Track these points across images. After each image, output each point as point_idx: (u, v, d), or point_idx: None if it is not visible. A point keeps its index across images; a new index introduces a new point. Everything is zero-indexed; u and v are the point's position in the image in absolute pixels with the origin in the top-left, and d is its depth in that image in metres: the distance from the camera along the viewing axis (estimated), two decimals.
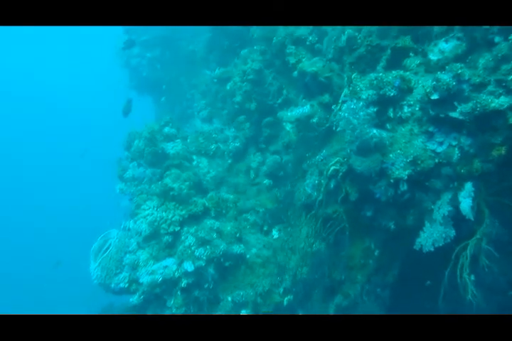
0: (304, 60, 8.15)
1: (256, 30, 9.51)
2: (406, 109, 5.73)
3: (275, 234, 8.50)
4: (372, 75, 5.83)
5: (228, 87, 10.29)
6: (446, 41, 5.53)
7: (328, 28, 8.05)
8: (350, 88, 5.94)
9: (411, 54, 5.98)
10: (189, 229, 7.49)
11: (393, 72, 5.77)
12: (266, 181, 9.07)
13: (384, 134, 5.55)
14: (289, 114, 7.59)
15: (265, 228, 8.59)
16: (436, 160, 5.45)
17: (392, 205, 6.01)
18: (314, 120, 7.48)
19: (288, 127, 8.90)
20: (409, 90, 5.74)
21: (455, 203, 5.47)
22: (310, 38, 8.10)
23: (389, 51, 6.00)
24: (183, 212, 7.53)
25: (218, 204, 8.10)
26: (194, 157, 9.92)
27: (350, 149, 5.81)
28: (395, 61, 6.04)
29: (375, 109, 5.56)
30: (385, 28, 5.98)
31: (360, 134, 5.59)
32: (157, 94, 18.97)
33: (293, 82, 9.18)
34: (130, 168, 9.64)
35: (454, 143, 5.34)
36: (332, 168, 6.08)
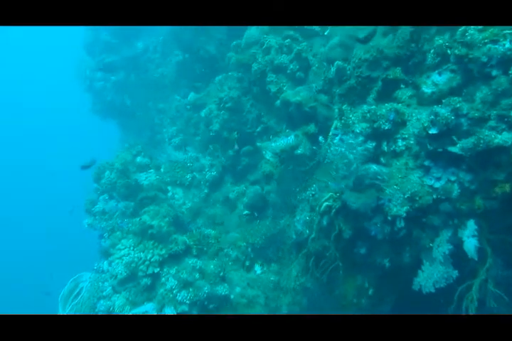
0: (284, 88, 7.93)
1: (232, 56, 9.25)
2: (400, 143, 5.53)
3: (258, 269, 8.06)
4: (365, 108, 5.61)
5: (203, 114, 9.93)
6: (440, 73, 5.39)
7: (309, 56, 7.90)
8: (342, 121, 5.70)
9: (402, 85, 5.81)
10: (170, 269, 6.96)
11: (386, 104, 5.57)
12: (246, 212, 8.67)
13: (384, 170, 5.29)
14: (273, 144, 7.28)
15: (247, 263, 8.14)
16: (435, 196, 5.23)
17: (387, 242, 5.73)
18: (299, 151, 7.21)
19: (268, 156, 8.61)
20: (403, 123, 5.55)
21: (455, 241, 5.25)
22: (291, 66, 7.89)
23: (380, 83, 5.82)
24: (163, 252, 7.00)
25: (200, 241, 7.63)
26: (169, 188, 9.43)
27: (346, 185, 5.52)
28: (386, 93, 5.86)
29: (373, 144, 5.31)
30: (374, 58, 5.79)
31: (357, 170, 5.32)
32: (123, 118, 18.34)
33: (272, 109, 8.92)
34: (100, 201, 9.05)
35: (452, 178, 5.13)
36: (325, 204, 5.77)
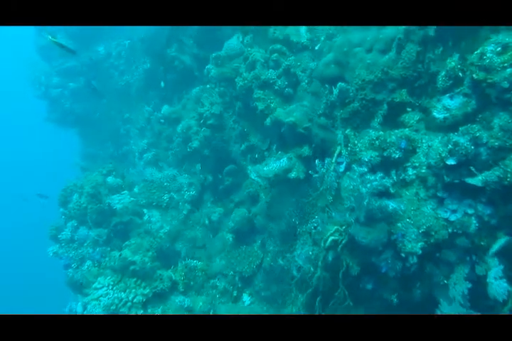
0: (272, 105, 7.42)
1: (212, 69, 8.65)
2: (410, 171, 5.13)
3: (246, 300, 7.50)
4: (373, 134, 5.18)
5: (180, 130, 9.28)
6: (451, 97, 5.04)
7: (298, 71, 7.43)
8: (349, 148, 5.24)
9: (408, 109, 5.42)
10: (154, 310, 6.28)
11: (396, 131, 5.16)
12: (231, 237, 8.09)
13: (402, 207, 4.87)
14: (265, 168, 6.75)
15: (235, 293, 7.56)
16: (450, 230, 4.86)
17: (396, 277, 5.32)
18: (293, 174, 6.72)
19: (254, 176, 8.09)
20: (413, 150, 5.15)
21: (472, 278, 4.89)
22: (279, 82, 7.39)
23: (385, 106, 5.40)
24: (147, 291, 6.32)
25: (186, 276, 6.99)
26: (145, 210, 8.72)
27: (355, 219, 5.06)
28: (392, 116, 5.46)
29: (390, 181, 4.89)
30: (379, 80, 5.37)
31: (369, 204, 4.86)
32: (83, 127, 17.22)
33: (256, 126, 8.39)
34: (67, 227, 8.23)
35: (470, 211, 4.78)
36: (331, 238, 5.29)
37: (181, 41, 10.02)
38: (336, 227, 5.27)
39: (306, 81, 7.34)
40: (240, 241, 8.10)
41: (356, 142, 5.25)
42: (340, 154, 5.50)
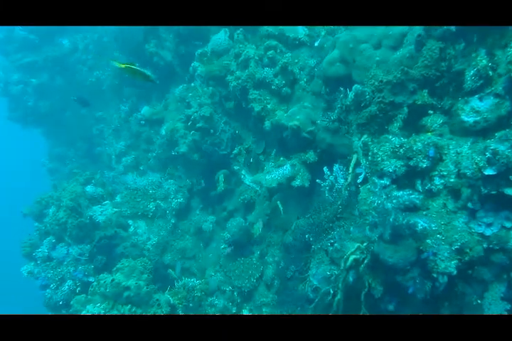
0: (269, 106, 6.86)
1: (198, 66, 7.98)
2: (438, 181, 4.67)
3: None
4: (395, 141, 4.68)
5: (164, 132, 8.57)
6: (481, 99, 4.59)
7: (295, 69, 6.88)
8: (369, 157, 4.73)
9: (430, 111, 4.95)
10: None
11: (422, 137, 4.68)
12: (228, 249, 7.51)
13: (433, 226, 4.40)
14: (267, 177, 6.19)
15: (234, 310, 7.02)
16: (485, 245, 4.44)
17: (425, 299, 4.88)
18: (297, 182, 6.20)
19: (248, 181, 7.53)
20: (440, 158, 4.69)
21: (510, 297, 4.51)
22: (276, 81, 6.81)
23: (405, 109, 4.91)
24: None
25: (186, 298, 6.37)
26: (130, 221, 8.03)
27: (379, 236, 4.57)
28: (412, 120, 4.97)
29: (420, 197, 4.42)
30: (399, 80, 4.87)
31: (395, 220, 4.38)
32: (49, 127, 16.09)
33: (248, 127, 7.84)
34: (44, 244, 7.44)
35: (508, 224, 4.37)
36: (352, 257, 4.79)
37: (160, 36, 9.25)
38: (357, 245, 4.77)
39: (305, 79, 6.82)
40: (236, 252, 7.53)
41: (376, 150, 4.74)
42: (357, 164, 4.99)
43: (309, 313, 5.06)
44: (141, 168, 9.84)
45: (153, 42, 9.36)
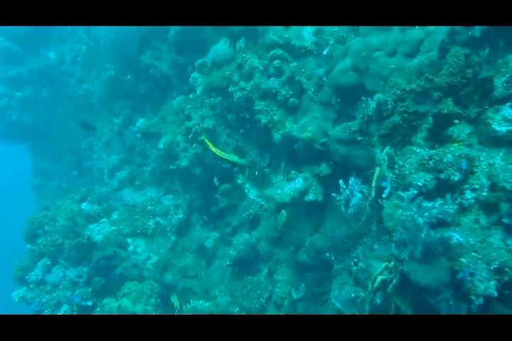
0: (275, 117, 6.57)
1: (198, 77, 7.66)
2: (469, 195, 4.39)
3: None
4: (423, 153, 4.41)
5: (162, 145, 8.20)
6: None
7: (302, 78, 6.61)
8: (396, 170, 4.44)
9: (455, 121, 4.69)
10: None
11: (451, 148, 4.41)
12: (234, 267, 7.13)
13: (470, 239, 4.11)
14: (279, 191, 5.86)
15: None
16: None
17: None
18: (310, 197, 5.88)
19: (252, 196, 7.21)
20: (471, 170, 4.42)
21: None
22: (283, 92, 6.53)
23: (430, 119, 4.64)
24: None
25: None
26: (129, 240, 7.60)
27: (409, 254, 4.26)
28: (437, 130, 4.71)
29: (454, 207, 4.12)
30: (423, 89, 4.62)
31: (428, 236, 4.08)
32: (34, 141, 15.57)
33: (251, 139, 7.53)
34: (38, 267, 6.96)
35: None
36: (380, 278, 4.47)
37: (156, 47, 8.93)
38: (384, 264, 4.45)
39: (313, 89, 6.56)
40: (242, 270, 7.16)
41: (401, 163, 4.46)
42: (381, 177, 4.69)
43: None
44: (137, 183, 9.42)
45: (148, 53, 9.02)
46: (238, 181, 7.45)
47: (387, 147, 4.75)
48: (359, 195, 5.29)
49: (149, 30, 9.00)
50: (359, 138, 5.20)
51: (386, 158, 4.61)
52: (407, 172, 4.40)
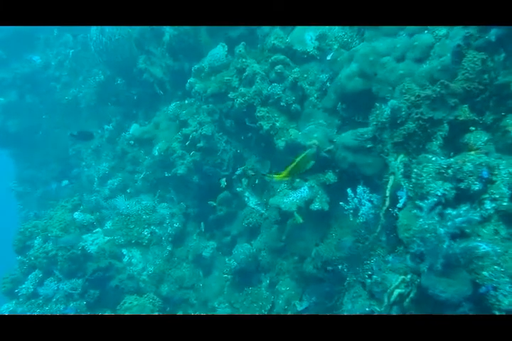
0: (277, 124, 6.38)
1: (195, 83, 7.44)
2: (489, 205, 4.24)
3: None
4: (440, 161, 4.27)
5: (157, 152, 7.93)
6: None
7: (305, 84, 6.45)
8: (413, 179, 4.27)
9: (471, 128, 4.56)
10: None
11: (471, 156, 4.26)
12: (231, 278, 6.89)
13: (498, 248, 3.95)
14: (285, 200, 5.66)
15: None
16: None
17: None
18: (316, 206, 5.69)
19: (252, 204, 6.99)
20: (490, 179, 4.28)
21: None
22: (285, 98, 6.34)
23: (446, 126, 4.50)
24: None
25: None
26: (124, 250, 7.30)
27: (429, 267, 4.09)
28: (452, 137, 4.57)
29: (477, 214, 3.96)
30: (439, 95, 4.47)
31: (450, 247, 3.92)
32: (18, 148, 15.12)
33: (250, 146, 7.33)
34: (29, 279, 6.64)
35: None
36: (397, 291, 4.28)
37: (150, 51, 8.68)
38: (401, 277, 4.27)
39: (316, 95, 6.39)
40: (242, 281, 6.93)
41: (417, 171, 4.29)
42: (396, 186, 4.52)
43: None
44: (129, 191, 9.12)
45: (142, 57, 8.77)
46: (237, 189, 7.22)
47: (402, 155, 4.60)
48: (368, 204, 5.12)
49: (143, 35, 8.76)
50: (368, 146, 5.02)
51: (400, 166, 4.44)
52: (425, 181, 4.23)
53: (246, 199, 7.18)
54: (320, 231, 6.02)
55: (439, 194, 4.14)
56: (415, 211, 4.20)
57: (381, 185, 5.10)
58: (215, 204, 7.14)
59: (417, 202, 4.21)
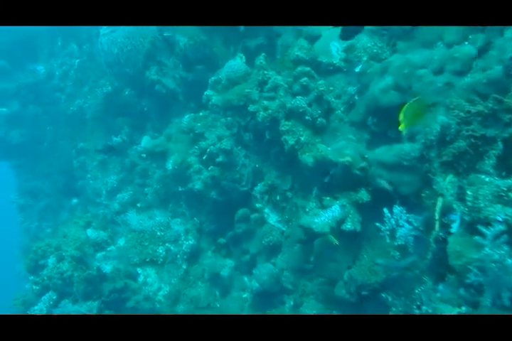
0: (302, 138, 6.07)
1: (212, 95, 7.14)
2: None
3: None
4: (499, 183, 3.93)
5: (171, 166, 7.59)
6: None
7: (330, 97, 6.14)
8: (469, 203, 3.93)
9: None
10: None
11: None
12: (255, 299, 6.55)
13: None
14: (316, 220, 5.33)
15: None
16: None
17: None
18: (348, 226, 5.35)
19: (272, 221, 6.66)
20: None
21: None
22: (310, 111, 6.04)
23: (500, 144, 4.17)
24: None
25: None
26: (139, 270, 6.95)
27: (492, 302, 3.73)
28: (504, 157, 4.24)
29: None
30: (491, 111, 4.15)
31: None
32: (20, 160, 14.77)
33: (270, 161, 7.01)
34: (42, 301, 6.28)
35: None
36: None
37: (162, 62, 8.37)
38: (456, 310, 3.91)
39: (342, 109, 6.09)
40: (263, 302, 6.56)
41: (472, 193, 3.96)
42: (447, 209, 4.18)
43: None
44: (139, 205, 8.76)
45: (154, 68, 8.46)
46: (257, 205, 6.89)
47: (451, 175, 4.27)
48: (408, 226, 4.79)
49: (155, 45, 8.46)
50: (406, 163, 4.71)
51: (449, 187, 4.11)
52: (482, 205, 3.89)
53: (266, 215, 6.85)
54: (351, 252, 5.68)
55: (500, 219, 3.79)
56: (476, 237, 3.84)
57: (418, 205, 4.77)
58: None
59: (480, 227, 3.85)
